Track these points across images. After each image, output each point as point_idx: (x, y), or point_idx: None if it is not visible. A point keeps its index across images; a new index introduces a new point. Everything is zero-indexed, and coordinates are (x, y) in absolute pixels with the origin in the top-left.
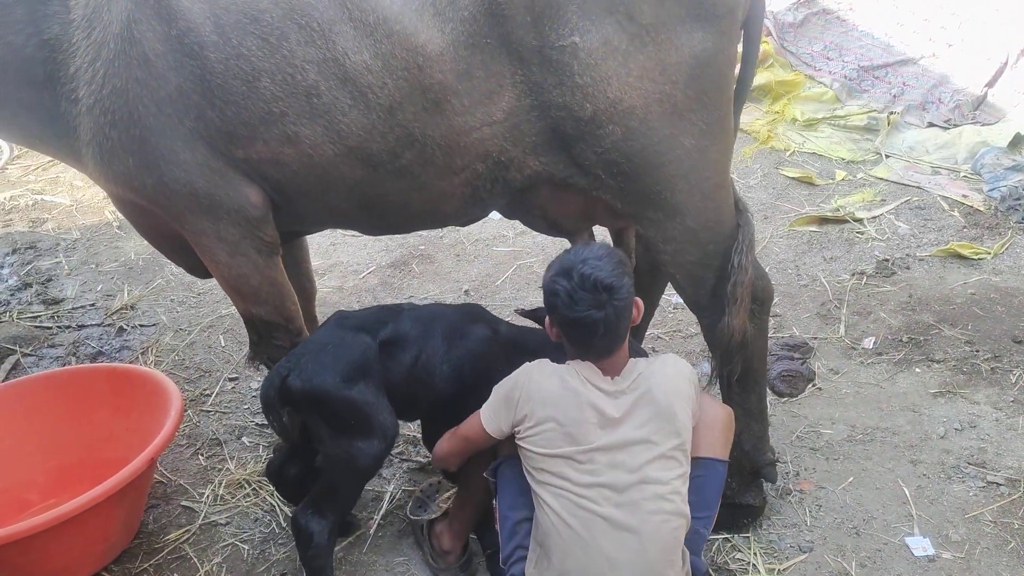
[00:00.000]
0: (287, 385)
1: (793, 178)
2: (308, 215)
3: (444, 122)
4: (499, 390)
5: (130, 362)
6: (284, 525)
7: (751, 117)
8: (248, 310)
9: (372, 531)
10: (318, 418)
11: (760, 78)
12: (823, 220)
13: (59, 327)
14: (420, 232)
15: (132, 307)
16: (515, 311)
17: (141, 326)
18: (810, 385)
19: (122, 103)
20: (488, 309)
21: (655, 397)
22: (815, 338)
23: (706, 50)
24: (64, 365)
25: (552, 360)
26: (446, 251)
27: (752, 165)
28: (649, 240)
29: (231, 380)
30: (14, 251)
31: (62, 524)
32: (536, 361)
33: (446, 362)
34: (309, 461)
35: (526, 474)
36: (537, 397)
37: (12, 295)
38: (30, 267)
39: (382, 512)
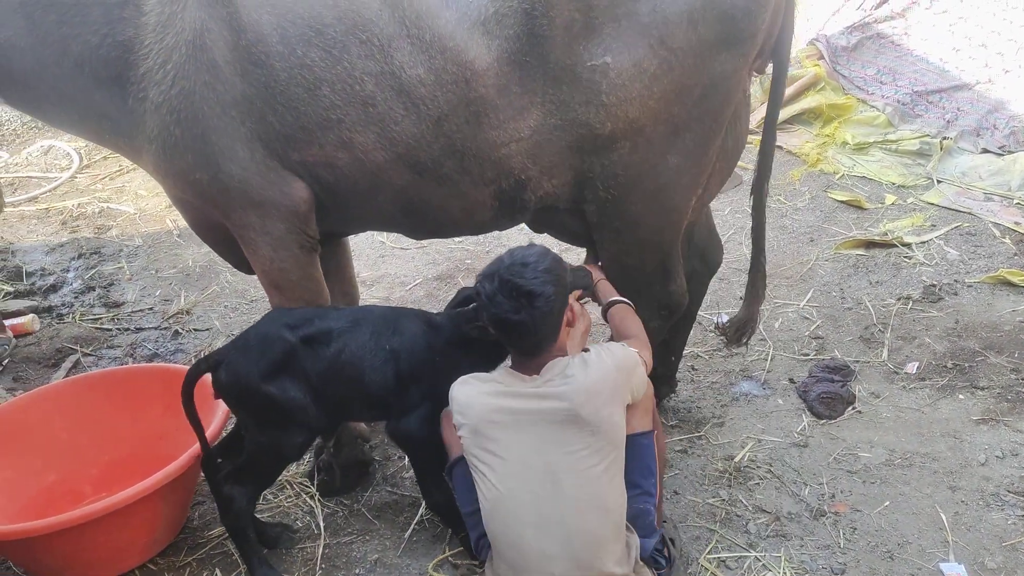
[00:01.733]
0: (216, 377)
1: (841, 201)
2: (356, 217)
3: (480, 134)
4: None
5: (184, 364)
6: (323, 524)
7: (800, 140)
8: (284, 304)
9: (407, 535)
10: (242, 408)
11: (811, 101)
12: (870, 244)
13: (118, 329)
14: (466, 247)
15: (188, 312)
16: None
17: (195, 330)
18: (849, 408)
19: (188, 104)
20: None
21: (569, 397)
22: (857, 361)
23: (723, 72)
24: (121, 365)
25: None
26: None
27: (800, 187)
28: (598, 242)
29: None
30: (79, 256)
31: (110, 515)
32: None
33: (375, 356)
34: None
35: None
36: (455, 407)
37: (76, 297)
38: (94, 271)
39: (417, 518)
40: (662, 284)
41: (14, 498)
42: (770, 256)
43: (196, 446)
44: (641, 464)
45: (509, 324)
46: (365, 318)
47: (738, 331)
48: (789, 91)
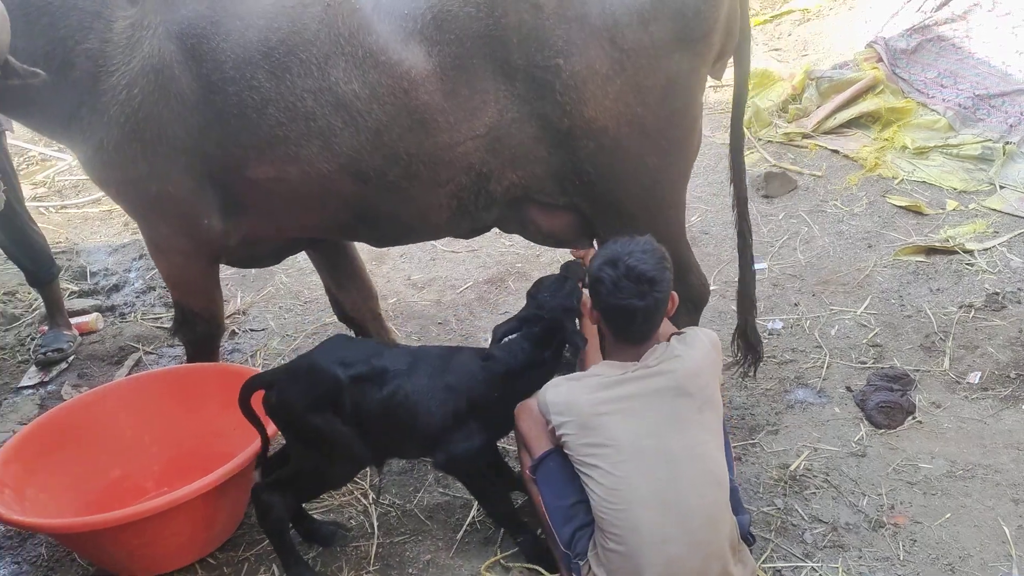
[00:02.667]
0: (268, 398)
1: (901, 207)
2: (315, 226)
3: (429, 139)
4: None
5: (239, 364)
6: (376, 524)
7: (858, 144)
8: (186, 301)
9: (459, 536)
10: (288, 432)
11: (869, 104)
12: (931, 250)
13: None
14: (517, 250)
15: (244, 312)
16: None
17: (251, 330)
18: (910, 418)
19: (153, 127)
20: None
21: (677, 374)
22: (917, 370)
23: (680, 72)
24: (181, 363)
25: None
26: (542, 269)
27: (858, 192)
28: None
29: None
30: (141, 256)
31: (173, 510)
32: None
33: (432, 398)
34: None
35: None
36: (553, 409)
37: (137, 297)
38: (154, 271)
39: (469, 519)
40: (680, 278)
41: (81, 493)
42: (826, 262)
43: (256, 443)
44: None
45: (630, 310)
46: (423, 359)
47: (748, 349)
48: (846, 94)
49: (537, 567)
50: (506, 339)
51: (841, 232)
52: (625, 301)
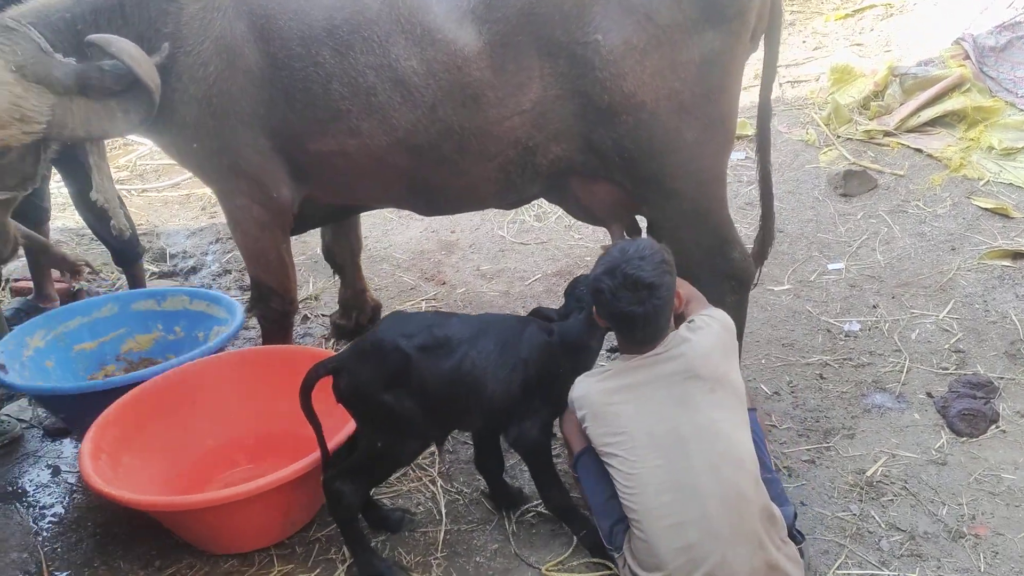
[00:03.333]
0: (336, 383)
1: (986, 209)
2: (368, 196)
3: (480, 114)
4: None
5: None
6: (444, 511)
7: (942, 143)
8: (261, 275)
9: (526, 527)
10: (359, 414)
11: (955, 103)
12: (1017, 255)
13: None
14: (586, 243)
15: (316, 298)
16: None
17: (323, 315)
18: (993, 426)
19: (226, 102)
20: None
21: (686, 358)
22: (1001, 378)
23: (715, 50)
24: (256, 346)
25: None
26: None
27: (941, 193)
28: (651, 219)
29: None
30: (217, 240)
31: (253, 497)
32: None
33: (501, 366)
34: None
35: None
36: (576, 404)
37: (213, 280)
38: (230, 255)
39: (535, 511)
40: (722, 254)
41: (175, 462)
42: (907, 264)
43: (337, 437)
44: (756, 431)
45: (631, 317)
46: (489, 327)
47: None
48: (931, 92)
49: (602, 560)
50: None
51: (923, 233)
52: (626, 308)
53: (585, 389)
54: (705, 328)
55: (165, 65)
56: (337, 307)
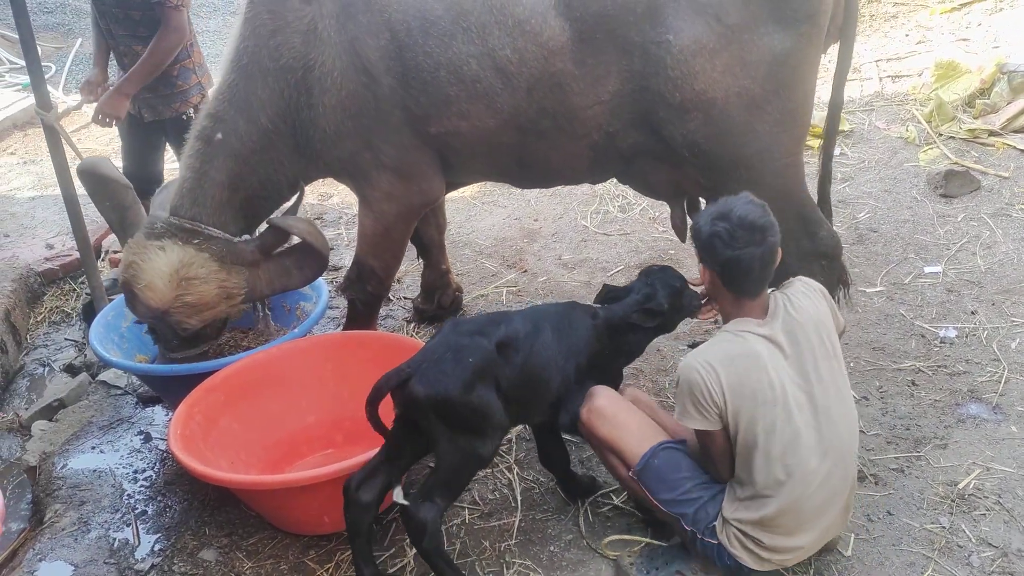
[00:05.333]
0: (410, 390)
1: None
2: (479, 170)
3: (567, 100)
4: (683, 397)
5: (393, 331)
6: (520, 498)
7: None
8: (374, 262)
9: (601, 519)
10: (438, 421)
11: None
12: None
13: (335, 293)
14: (669, 235)
15: (398, 280)
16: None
17: (405, 298)
18: None
19: (355, 101)
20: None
21: (805, 327)
22: None
23: (785, 50)
24: (339, 327)
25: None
26: (694, 256)
27: None
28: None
29: None
30: None
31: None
32: (694, 355)
33: (559, 355)
34: (391, 477)
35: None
36: (725, 388)
37: None
38: None
39: (612, 504)
40: (808, 236)
41: (272, 432)
42: (1009, 271)
43: None
44: None
45: (748, 259)
46: (543, 318)
47: None
48: None
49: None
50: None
51: None
52: (742, 251)
53: (724, 364)
54: (811, 295)
55: (298, 85)
56: (420, 291)
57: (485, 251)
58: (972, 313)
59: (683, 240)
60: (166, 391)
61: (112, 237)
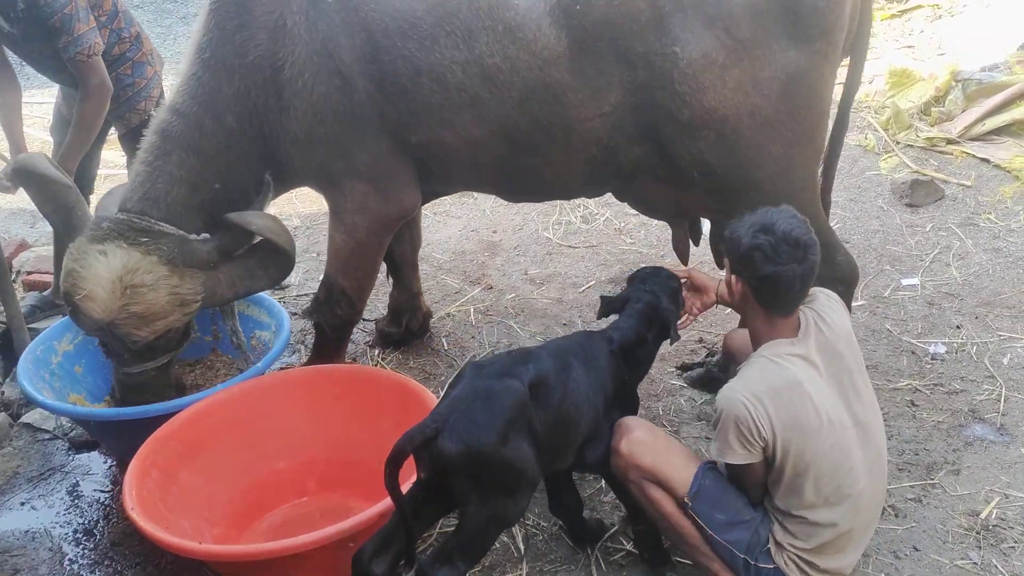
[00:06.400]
0: (439, 449)
1: None
2: (461, 180)
3: (563, 112)
4: (726, 433)
5: (352, 357)
6: (523, 546)
7: (1010, 153)
8: (344, 280)
9: (614, 566)
10: (470, 480)
11: (1023, 111)
12: None
13: (289, 313)
14: (639, 248)
15: None
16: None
17: (363, 320)
18: None
19: (327, 105)
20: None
21: (841, 343)
22: None
23: (799, 68)
24: (293, 353)
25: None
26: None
27: (1014, 206)
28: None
29: None
30: None
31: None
32: (736, 387)
33: (590, 389)
34: (403, 551)
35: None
36: (775, 422)
37: None
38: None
39: (626, 549)
40: (825, 261)
41: (238, 482)
42: (986, 282)
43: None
44: None
45: (789, 276)
46: (567, 352)
47: None
48: (998, 99)
49: None
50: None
51: (998, 249)
52: (784, 267)
53: (770, 392)
54: (837, 308)
55: (266, 87)
56: (387, 312)
57: (444, 266)
58: (957, 327)
59: (685, 262)
60: (105, 436)
61: (26, 255)
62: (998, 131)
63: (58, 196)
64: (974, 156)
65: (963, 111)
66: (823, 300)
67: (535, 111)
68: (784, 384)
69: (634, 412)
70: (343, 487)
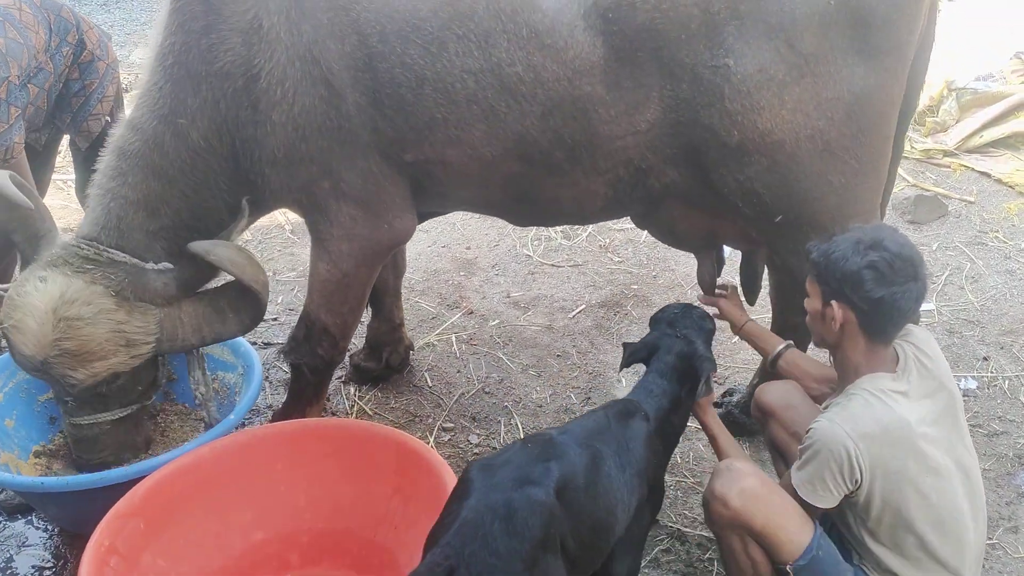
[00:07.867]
0: None
1: None
2: (462, 201)
3: (591, 128)
4: (821, 470)
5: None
6: None
7: (1009, 167)
8: (324, 315)
9: None
10: None
11: (1021, 123)
12: None
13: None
14: (629, 268)
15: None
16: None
17: None
18: None
19: (311, 119)
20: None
21: (945, 380)
22: None
23: (867, 87)
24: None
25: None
26: (662, 293)
27: (1021, 224)
28: (782, 261)
29: (446, 430)
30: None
31: None
32: (839, 422)
33: (624, 488)
34: None
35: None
36: (873, 466)
37: None
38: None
39: None
40: None
41: (211, 560)
42: (1006, 308)
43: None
44: None
45: (904, 297)
46: (596, 439)
47: None
48: (996, 110)
49: None
50: (640, 382)
51: (1011, 271)
52: (902, 287)
53: (861, 429)
54: (933, 342)
55: (239, 98)
56: (364, 346)
57: (417, 288)
58: (984, 359)
59: (710, 295)
60: (45, 505)
61: None
62: (995, 144)
63: (26, 222)
64: (973, 169)
65: (957, 121)
66: (919, 333)
67: (559, 127)
68: (889, 423)
69: (659, 504)
70: (330, 560)
